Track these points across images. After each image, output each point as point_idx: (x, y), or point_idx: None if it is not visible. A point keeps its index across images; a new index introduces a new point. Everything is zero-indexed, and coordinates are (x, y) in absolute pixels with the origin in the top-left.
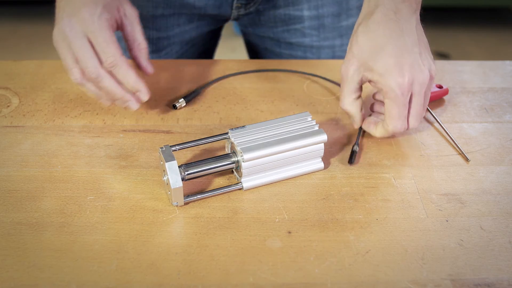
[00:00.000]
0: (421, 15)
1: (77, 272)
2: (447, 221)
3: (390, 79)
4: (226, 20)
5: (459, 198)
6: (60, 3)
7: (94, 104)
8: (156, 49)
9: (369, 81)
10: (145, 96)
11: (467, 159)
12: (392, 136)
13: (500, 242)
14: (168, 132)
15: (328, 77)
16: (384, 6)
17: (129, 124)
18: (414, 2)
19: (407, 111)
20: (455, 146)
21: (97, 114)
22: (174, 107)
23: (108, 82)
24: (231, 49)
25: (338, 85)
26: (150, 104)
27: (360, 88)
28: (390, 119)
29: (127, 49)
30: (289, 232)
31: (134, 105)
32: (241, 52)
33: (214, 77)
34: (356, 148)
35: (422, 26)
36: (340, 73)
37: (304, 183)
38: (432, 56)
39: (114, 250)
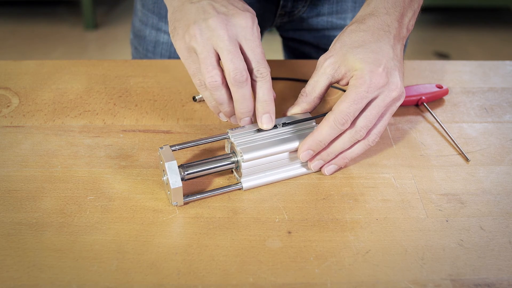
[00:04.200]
0: (420, 15)
1: (77, 272)
2: (447, 221)
3: (366, 66)
4: (268, 26)
5: (459, 198)
6: None
7: (94, 104)
8: None
9: (340, 80)
10: (271, 122)
11: (467, 159)
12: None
13: (500, 242)
14: (168, 132)
15: None
16: (379, 17)
17: (129, 124)
18: (405, 29)
19: (359, 110)
20: (455, 146)
21: (97, 114)
22: (194, 99)
23: (248, 92)
24: None
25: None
26: (151, 104)
27: (327, 88)
28: (340, 102)
29: None
30: (289, 232)
31: (247, 123)
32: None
33: None
34: None
35: (422, 27)
36: (317, 63)
37: (304, 183)
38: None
39: (114, 250)
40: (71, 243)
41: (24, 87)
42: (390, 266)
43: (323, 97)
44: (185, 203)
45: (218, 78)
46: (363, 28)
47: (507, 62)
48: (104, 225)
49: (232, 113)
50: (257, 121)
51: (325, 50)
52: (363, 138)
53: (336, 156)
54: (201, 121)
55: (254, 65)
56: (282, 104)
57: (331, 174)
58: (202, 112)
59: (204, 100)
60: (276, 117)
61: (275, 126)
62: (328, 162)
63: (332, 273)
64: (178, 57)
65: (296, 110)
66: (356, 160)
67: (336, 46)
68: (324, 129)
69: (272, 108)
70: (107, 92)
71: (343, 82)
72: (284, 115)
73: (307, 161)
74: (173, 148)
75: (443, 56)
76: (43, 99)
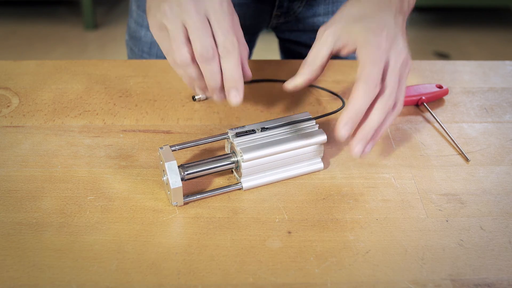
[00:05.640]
0: (421, 15)
1: (77, 272)
2: (447, 221)
3: (369, 32)
4: (263, 28)
5: (459, 198)
6: None
7: (94, 104)
8: None
9: (341, 49)
10: (239, 97)
11: (467, 159)
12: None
13: (500, 242)
14: (168, 132)
15: (332, 77)
16: None
17: (129, 124)
18: (406, 5)
19: (381, 71)
20: (455, 146)
21: (97, 114)
22: (194, 99)
23: (216, 68)
24: None
25: (336, 95)
26: (151, 104)
27: (328, 58)
28: (362, 70)
29: None
30: (289, 232)
31: (220, 98)
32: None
33: None
34: None
35: (422, 26)
36: (316, 34)
37: (304, 183)
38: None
39: (114, 250)
40: (71, 243)
41: (24, 87)
42: (390, 266)
43: (324, 68)
44: (185, 203)
45: (188, 55)
46: (364, 2)
47: (507, 62)
48: (104, 225)
49: (206, 88)
50: (226, 96)
51: None
52: (392, 109)
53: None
54: (201, 121)
55: (220, 39)
56: (281, 105)
57: (369, 151)
58: (202, 112)
59: (204, 100)
60: (274, 118)
61: (253, 131)
62: (369, 140)
63: (332, 273)
64: None
65: (298, 80)
66: (356, 161)
67: (335, 18)
68: (359, 96)
69: (239, 84)
70: (107, 92)
71: (344, 52)
72: (274, 115)
73: (348, 144)
74: (173, 148)
75: (443, 56)
76: (43, 99)
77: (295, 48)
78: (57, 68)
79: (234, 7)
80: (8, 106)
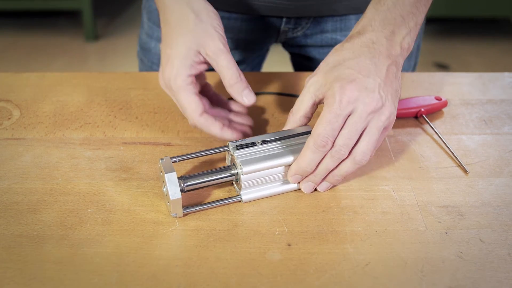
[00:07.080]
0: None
1: (78, 284)
2: (446, 233)
3: (337, 83)
4: (272, 42)
5: (458, 210)
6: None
7: (95, 116)
8: None
9: (323, 99)
10: (236, 136)
11: (466, 171)
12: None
13: (500, 254)
14: (168, 144)
15: None
16: (365, 35)
17: (129, 136)
18: (398, 47)
19: (336, 129)
20: (454, 158)
21: (97, 126)
22: None
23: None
24: None
25: None
26: (151, 116)
27: (312, 107)
28: (317, 125)
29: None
30: (289, 245)
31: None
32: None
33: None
34: None
35: (421, 37)
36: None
37: (303, 195)
38: (395, 107)
39: (115, 263)
40: (71, 255)
41: (25, 99)
42: (390, 279)
43: (311, 116)
44: (185, 215)
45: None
46: (347, 47)
47: (506, 73)
48: (105, 238)
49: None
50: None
51: None
52: (348, 157)
53: (326, 175)
54: (202, 133)
55: (185, 116)
56: (282, 118)
57: (326, 190)
58: None
59: None
60: (274, 131)
61: (254, 144)
62: (319, 183)
63: (332, 285)
64: None
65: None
66: (356, 173)
67: (320, 66)
68: (306, 155)
69: (225, 135)
70: (107, 104)
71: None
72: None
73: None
74: (173, 159)
75: (443, 67)
76: (44, 111)
77: (306, 63)
78: (58, 80)
79: (242, 22)
80: (9, 118)
